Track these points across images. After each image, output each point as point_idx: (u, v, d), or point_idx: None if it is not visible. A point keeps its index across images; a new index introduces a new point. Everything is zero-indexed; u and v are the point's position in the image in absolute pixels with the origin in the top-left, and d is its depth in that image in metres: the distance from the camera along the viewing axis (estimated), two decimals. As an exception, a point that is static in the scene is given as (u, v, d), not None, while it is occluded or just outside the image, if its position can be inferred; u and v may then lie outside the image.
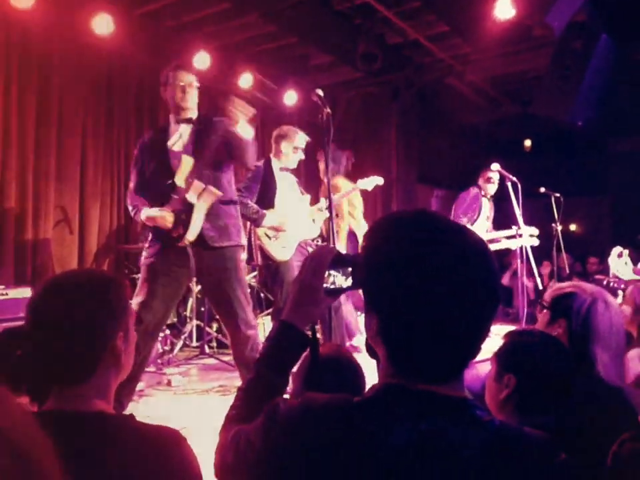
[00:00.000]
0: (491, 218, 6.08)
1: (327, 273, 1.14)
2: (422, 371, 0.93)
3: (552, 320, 1.83)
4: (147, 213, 3.24)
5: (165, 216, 3.19)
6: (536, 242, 5.17)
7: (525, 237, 5.31)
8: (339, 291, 1.16)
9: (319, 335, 1.31)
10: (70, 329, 1.18)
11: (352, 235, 5.39)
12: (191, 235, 3.22)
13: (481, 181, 5.99)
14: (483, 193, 5.95)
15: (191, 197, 3.23)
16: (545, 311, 1.88)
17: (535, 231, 5.22)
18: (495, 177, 5.83)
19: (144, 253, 3.35)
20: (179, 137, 3.34)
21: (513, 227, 5.02)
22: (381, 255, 0.96)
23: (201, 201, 3.24)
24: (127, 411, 3.42)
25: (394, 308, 0.94)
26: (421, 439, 0.87)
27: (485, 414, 0.93)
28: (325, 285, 1.14)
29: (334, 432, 0.91)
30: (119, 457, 1.10)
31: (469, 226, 5.55)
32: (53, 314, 1.19)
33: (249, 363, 3.27)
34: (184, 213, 3.21)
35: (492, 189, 5.92)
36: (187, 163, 3.26)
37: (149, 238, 3.36)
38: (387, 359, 0.97)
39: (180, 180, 3.25)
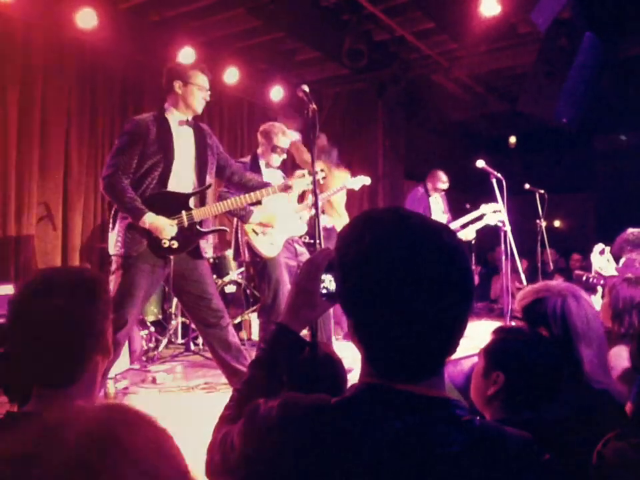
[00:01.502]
0: (447, 209, 6.24)
1: (323, 277, 1.14)
2: (398, 370, 0.92)
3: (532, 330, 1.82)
4: (153, 221, 3.15)
5: (168, 230, 3.18)
6: (502, 217, 5.24)
7: (489, 215, 5.47)
8: (336, 295, 1.15)
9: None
10: (62, 329, 1.16)
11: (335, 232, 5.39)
12: (183, 252, 3.26)
13: (429, 184, 6.17)
14: (429, 192, 6.14)
15: (197, 221, 3.31)
16: (520, 322, 1.84)
17: (499, 207, 5.28)
18: (443, 187, 6.13)
19: (123, 242, 3.19)
20: (181, 137, 3.33)
21: (498, 223, 5.04)
22: (350, 255, 0.95)
23: (204, 227, 3.36)
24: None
25: (365, 308, 0.93)
26: (397, 439, 0.87)
27: (465, 412, 0.92)
28: (321, 289, 1.14)
29: (311, 432, 0.91)
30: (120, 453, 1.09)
31: None
32: (42, 316, 1.16)
33: (238, 346, 3.43)
34: (187, 232, 3.25)
35: (441, 190, 6.20)
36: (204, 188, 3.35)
37: (126, 224, 3.20)
38: (364, 359, 0.97)
39: (192, 203, 3.31)
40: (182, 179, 3.29)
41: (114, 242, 3.23)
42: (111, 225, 3.30)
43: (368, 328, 0.94)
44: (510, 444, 0.91)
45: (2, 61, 5.05)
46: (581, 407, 1.66)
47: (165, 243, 3.19)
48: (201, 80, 3.34)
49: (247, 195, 3.53)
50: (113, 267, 3.23)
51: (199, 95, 3.33)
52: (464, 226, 5.82)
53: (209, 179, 3.41)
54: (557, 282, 1.93)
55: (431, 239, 0.92)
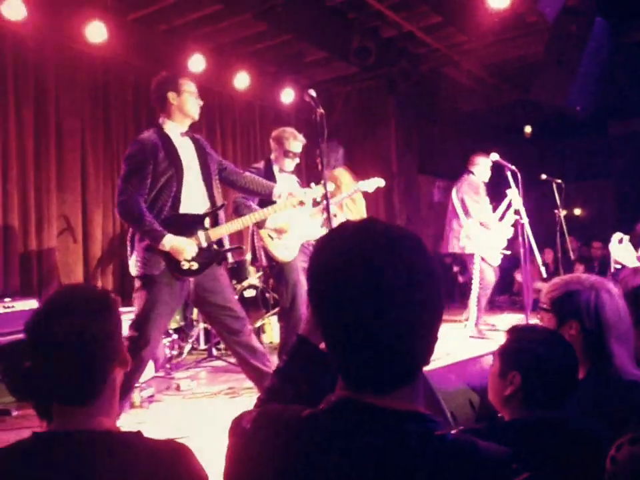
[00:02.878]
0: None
1: None
2: (367, 383, 0.91)
3: (560, 323, 1.80)
4: (173, 243, 3.12)
5: (189, 250, 3.18)
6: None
7: (515, 199, 5.34)
8: None
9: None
10: (81, 348, 1.18)
11: None
12: (202, 273, 3.28)
13: (481, 167, 6.00)
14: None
15: (215, 246, 3.33)
16: (548, 314, 1.84)
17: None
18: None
19: (142, 263, 3.20)
20: (184, 149, 3.33)
21: (515, 216, 5.00)
22: (313, 266, 0.96)
23: (221, 249, 3.38)
24: (137, 417, 3.46)
25: (328, 321, 0.94)
26: (363, 454, 0.86)
27: (437, 426, 0.90)
28: None
29: (280, 443, 0.92)
30: (129, 475, 1.11)
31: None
32: (61, 337, 1.17)
33: (262, 350, 3.47)
34: (206, 253, 3.27)
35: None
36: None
37: (145, 245, 3.20)
38: (336, 371, 0.97)
39: (207, 221, 3.33)
40: (193, 191, 3.29)
41: (134, 264, 3.24)
42: (128, 249, 3.30)
43: (333, 339, 0.94)
44: (484, 461, 0.87)
45: (16, 78, 5.14)
46: (605, 401, 1.65)
47: (184, 265, 3.18)
48: (191, 86, 3.35)
49: (260, 212, 3.56)
50: (136, 286, 3.25)
51: (193, 102, 3.33)
52: (501, 217, 5.80)
53: (217, 192, 3.41)
54: (587, 275, 1.90)
55: (394, 249, 0.90)
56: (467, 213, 5.79)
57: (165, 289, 3.19)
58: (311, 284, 0.97)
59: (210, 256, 3.30)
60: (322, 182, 3.09)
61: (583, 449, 1.42)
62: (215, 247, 3.32)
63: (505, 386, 1.55)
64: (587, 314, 1.77)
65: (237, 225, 3.45)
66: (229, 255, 3.54)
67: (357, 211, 5.13)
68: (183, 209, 3.25)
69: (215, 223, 3.36)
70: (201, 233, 3.25)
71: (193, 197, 3.30)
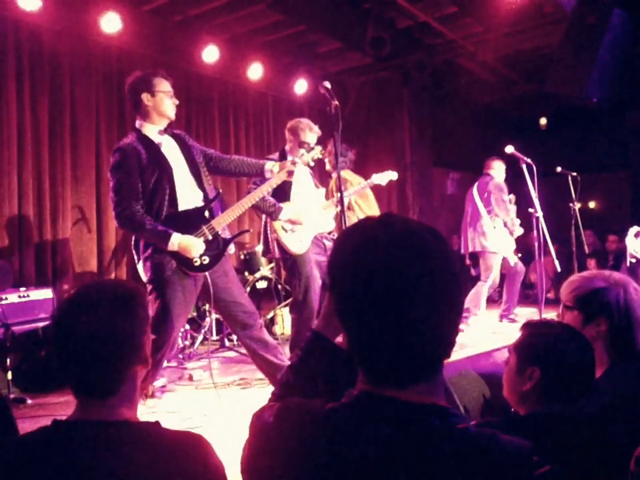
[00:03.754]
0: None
1: None
2: (388, 377, 0.93)
3: (587, 320, 1.79)
4: (181, 241, 3.12)
5: (198, 246, 3.18)
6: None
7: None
8: None
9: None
10: (105, 343, 1.20)
11: None
12: (216, 265, 3.27)
13: (498, 170, 6.05)
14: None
15: (222, 233, 3.34)
16: (574, 312, 1.82)
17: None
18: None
19: (153, 268, 3.20)
20: (167, 148, 3.30)
21: (530, 209, 4.97)
22: (336, 262, 0.97)
23: (227, 234, 3.39)
24: (150, 406, 3.49)
25: (350, 315, 0.95)
26: (385, 447, 0.87)
27: (459, 420, 0.91)
28: None
29: (303, 437, 0.93)
30: (146, 465, 1.13)
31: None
32: (86, 330, 1.19)
33: (274, 343, 3.51)
34: (214, 245, 3.27)
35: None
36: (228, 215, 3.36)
37: (151, 251, 3.19)
38: (359, 365, 0.97)
39: (207, 214, 3.31)
40: (186, 187, 3.28)
41: (143, 270, 3.25)
42: (135, 257, 3.30)
43: (355, 334, 0.95)
44: (506, 453, 0.88)
45: (31, 69, 5.16)
46: (633, 395, 1.65)
47: (196, 262, 3.18)
48: (166, 86, 3.30)
49: (255, 192, 3.48)
50: (149, 289, 3.25)
51: (168, 101, 3.29)
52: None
53: (207, 183, 3.38)
54: (609, 272, 1.90)
55: (413, 244, 0.91)
56: (491, 212, 5.84)
57: (179, 289, 3.21)
58: (334, 279, 0.98)
59: (218, 247, 3.31)
60: (336, 174, 3.08)
61: (601, 444, 1.41)
62: (221, 236, 3.33)
63: (522, 382, 1.55)
64: (618, 310, 1.77)
65: (237, 210, 3.41)
66: (231, 245, 3.53)
67: (367, 206, 5.12)
68: (182, 205, 3.24)
69: (212, 213, 3.36)
70: (204, 227, 3.25)
71: (188, 192, 3.29)
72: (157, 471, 1.13)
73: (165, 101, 3.28)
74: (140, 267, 3.28)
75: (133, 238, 3.33)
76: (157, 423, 1.23)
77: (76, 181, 5.50)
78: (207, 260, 3.23)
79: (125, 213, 3.11)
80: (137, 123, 3.32)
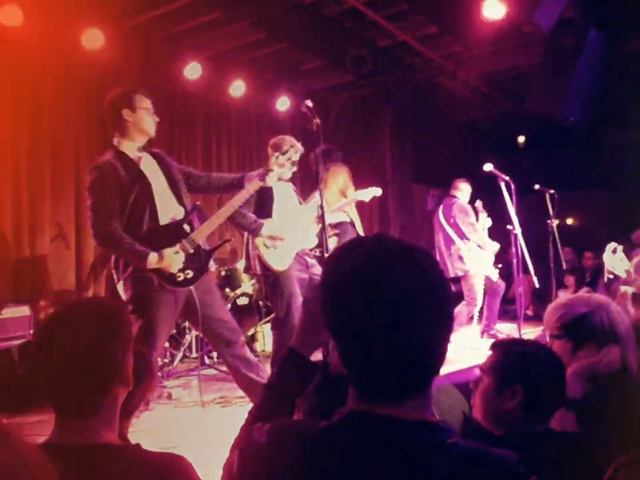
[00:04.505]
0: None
1: None
2: (381, 395, 0.94)
3: (577, 347, 1.81)
4: (158, 259, 3.07)
5: (177, 260, 3.14)
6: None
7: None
8: None
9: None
10: (86, 362, 1.19)
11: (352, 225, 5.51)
12: (200, 278, 3.26)
13: (463, 191, 6.22)
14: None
15: (203, 244, 3.32)
16: (562, 340, 1.83)
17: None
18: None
19: (133, 287, 3.17)
20: (146, 165, 3.29)
21: (508, 226, 5.04)
22: (330, 280, 0.99)
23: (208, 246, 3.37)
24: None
25: (344, 332, 0.96)
26: (381, 464, 0.88)
27: (450, 435, 0.93)
28: None
29: (297, 456, 0.93)
30: None
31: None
32: (67, 349, 1.18)
33: (256, 361, 3.50)
34: (196, 258, 3.24)
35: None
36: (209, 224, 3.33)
37: (131, 270, 3.15)
38: (351, 383, 0.99)
39: (186, 227, 3.29)
40: (166, 203, 3.26)
41: (123, 290, 3.20)
42: (115, 276, 3.26)
43: (348, 351, 0.96)
44: (495, 465, 0.91)
45: (12, 83, 5.13)
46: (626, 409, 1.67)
47: (179, 277, 3.15)
48: (147, 102, 3.29)
49: (229, 204, 3.41)
50: (130, 308, 3.17)
51: (149, 118, 3.28)
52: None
53: (187, 199, 3.37)
54: (587, 295, 1.93)
55: (409, 262, 0.94)
56: (462, 236, 5.93)
57: (160, 307, 3.17)
58: (328, 296, 0.99)
59: (201, 260, 3.28)
60: (318, 191, 3.10)
61: (585, 462, 1.43)
62: (203, 248, 3.31)
63: (502, 401, 1.55)
64: (603, 334, 1.79)
65: (216, 220, 3.38)
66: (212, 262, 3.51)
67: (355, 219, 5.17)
68: (162, 220, 3.22)
69: (192, 227, 3.33)
70: (184, 241, 3.22)
71: (168, 209, 3.27)
72: None
73: (145, 118, 3.26)
74: (120, 286, 3.23)
75: (113, 258, 3.28)
76: (138, 445, 1.22)
77: (55, 197, 5.45)
78: (190, 274, 3.20)
79: (102, 232, 3.09)
80: (115, 140, 3.28)
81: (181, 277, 3.17)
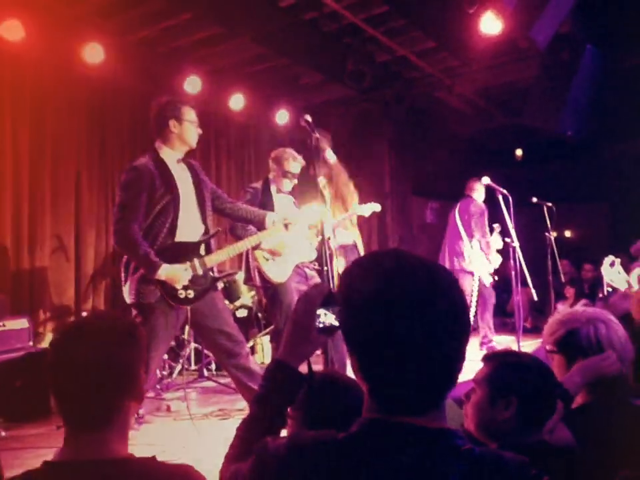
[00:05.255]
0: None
1: (317, 311, 1.17)
2: (400, 405, 0.96)
3: (569, 362, 1.83)
4: (168, 273, 3.15)
5: (184, 277, 3.21)
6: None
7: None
8: (332, 329, 1.18)
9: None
10: (103, 375, 1.19)
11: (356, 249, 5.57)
12: (199, 301, 3.30)
13: (479, 191, 6.28)
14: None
15: (214, 272, 3.39)
16: (557, 356, 1.86)
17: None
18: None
19: (136, 293, 3.22)
20: (180, 176, 3.37)
21: (506, 239, 5.06)
22: (353, 295, 1.00)
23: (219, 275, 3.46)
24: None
25: (367, 346, 0.98)
26: (405, 470, 0.91)
27: (464, 442, 0.96)
28: (317, 324, 1.17)
29: (319, 468, 0.94)
30: None
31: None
32: (85, 361, 1.18)
33: (260, 373, 3.41)
34: (202, 280, 3.30)
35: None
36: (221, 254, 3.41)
37: (139, 276, 3.21)
38: (368, 394, 1.00)
39: (202, 249, 3.36)
40: (189, 218, 3.32)
41: (128, 291, 3.24)
42: (122, 276, 3.29)
43: (371, 364, 0.98)
44: (509, 469, 0.94)
45: (13, 97, 5.17)
46: (616, 425, 1.68)
47: (180, 294, 3.20)
48: (193, 115, 3.38)
49: (252, 237, 3.58)
50: (133, 314, 3.27)
51: (193, 131, 3.38)
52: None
53: (210, 219, 3.44)
54: (582, 309, 1.94)
55: (429, 278, 0.97)
56: (470, 235, 6.04)
57: (162, 317, 3.20)
58: (349, 316, 1.01)
59: (206, 283, 3.33)
60: (317, 204, 3.12)
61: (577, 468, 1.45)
62: (210, 274, 3.34)
63: (498, 413, 1.56)
64: (590, 349, 1.80)
65: (232, 251, 3.48)
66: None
67: (354, 231, 5.19)
68: (180, 236, 3.26)
69: (208, 249, 3.38)
70: (196, 261, 3.27)
71: (190, 224, 3.32)
72: None
73: (190, 130, 3.35)
74: (126, 288, 3.27)
75: (125, 258, 3.32)
76: (154, 457, 1.22)
77: (55, 210, 5.48)
78: (191, 294, 3.24)
79: (123, 232, 3.15)
80: (157, 145, 3.36)
81: (182, 294, 3.21)
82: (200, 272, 3.27)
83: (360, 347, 0.99)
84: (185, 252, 3.27)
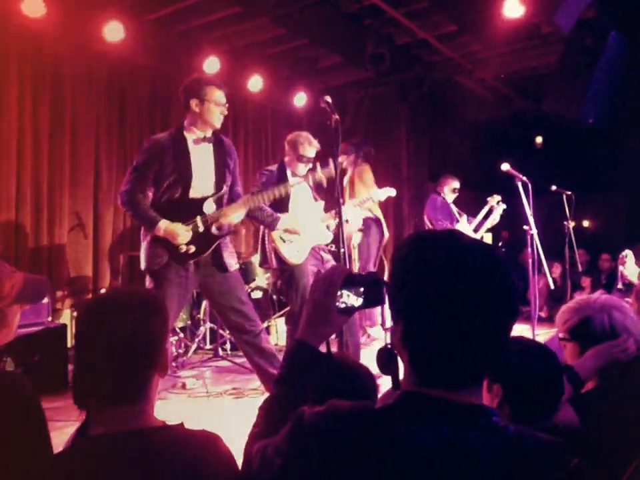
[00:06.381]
0: (459, 211, 6.40)
1: (339, 292, 1.18)
2: (441, 379, 0.98)
3: (583, 350, 1.82)
4: (166, 227, 3.26)
5: (183, 235, 3.28)
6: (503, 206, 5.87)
7: (496, 206, 5.95)
8: (351, 310, 1.19)
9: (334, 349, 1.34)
10: (135, 345, 1.19)
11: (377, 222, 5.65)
12: (201, 257, 3.38)
13: (445, 189, 6.32)
14: (446, 197, 6.34)
15: (214, 229, 3.41)
16: (570, 344, 1.85)
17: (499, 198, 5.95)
18: (457, 187, 6.36)
19: (147, 257, 3.36)
20: (199, 155, 3.41)
21: (524, 226, 5.01)
22: (409, 269, 1.02)
23: (218, 233, 3.44)
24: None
25: (417, 318, 0.99)
26: (441, 444, 0.92)
27: (501, 420, 0.98)
28: (338, 305, 1.18)
29: (358, 437, 0.95)
30: (183, 463, 1.15)
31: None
32: (122, 330, 1.18)
33: (272, 352, 3.56)
34: (203, 237, 3.35)
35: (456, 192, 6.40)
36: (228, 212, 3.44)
37: (149, 240, 3.35)
38: (409, 366, 1.02)
39: (209, 207, 3.39)
40: (203, 180, 3.40)
41: (142, 258, 3.40)
42: (141, 240, 3.45)
43: (417, 337, 0.99)
44: (543, 449, 0.96)
45: (33, 75, 5.20)
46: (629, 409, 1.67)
47: (182, 249, 3.29)
48: (218, 95, 3.39)
49: (258, 195, 3.59)
50: (146, 282, 3.39)
51: (216, 111, 3.38)
52: (479, 224, 6.06)
53: (225, 189, 3.51)
54: (595, 296, 1.92)
55: (481, 257, 0.99)
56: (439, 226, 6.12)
57: (171, 284, 3.30)
58: (400, 281, 1.03)
59: (208, 239, 3.37)
60: (336, 188, 3.10)
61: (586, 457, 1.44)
62: (214, 230, 3.38)
63: (492, 399, 1.56)
64: (604, 337, 1.79)
65: (237, 205, 3.48)
66: (235, 261, 3.61)
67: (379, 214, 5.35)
68: (193, 194, 3.37)
69: (214, 208, 3.45)
70: (199, 218, 3.34)
71: (205, 185, 3.41)
72: (192, 466, 1.15)
73: (212, 110, 3.37)
74: (141, 253, 3.41)
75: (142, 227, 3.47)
76: (182, 424, 1.24)
77: (74, 187, 5.52)
78: (192, 249, 3.32)
79: (127, 194, 3.32)
80: (185, 122, 3.44)
81: (183, 249, 3.29)
82: (201, 229, 3.34)
83: (408, 318, 1.01)
84: (188, 209, 3.34)
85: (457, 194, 6.38)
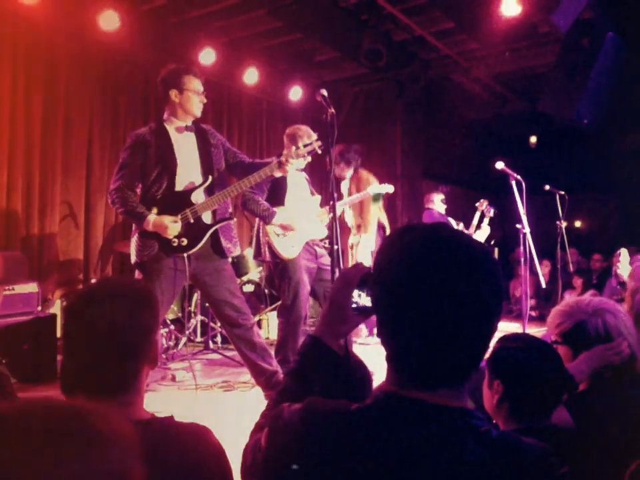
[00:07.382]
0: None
1: (354, 291, 1.17)
2: (420, 379, 0.95)
3: (576, 353, 1.81)
4: (155, 221, 3.24)
5: (172, 227, 3.25)
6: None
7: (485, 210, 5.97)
8: (368, 310, 1.17)
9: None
10: (123, 336, 1.17)
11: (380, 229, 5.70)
12: (194, 250, 3.34)
13: (436, 200, 6.42)
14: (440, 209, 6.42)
15: (205, 216, 3.38)
16: (563, 347, 1.83)
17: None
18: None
19: (137, 250, 3.34)
20: (183, 144, 3.40)
21: (517, 225, 5.02)
22: (386, 260, 0.99)
23: (211, 220, 3.41)
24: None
25: (391, 310, 0.97)
26: (413, 448, 0.89)
27: (483, 423, 0.94)
28: (352, 304, 1.17)
29: (331, 437, 0.94)
30: (173, 456, 1.14)
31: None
32: (109, 321, 1.16)
33: (263, 346, 3.55)
34: (194, 228, 3.32)
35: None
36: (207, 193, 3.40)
37: (139, 233, 3.33)
38: (389, 365, 0.99)
39: (198, 197, 3.36)
40: (188, 171, 3.38)
41: (132, 251, 3.39)
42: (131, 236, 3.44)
43: (396, 333, 0.97)
44: (527, 455, 0.91)
45: (26, 62, 5.14)
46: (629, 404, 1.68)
47: (174, 242, 3.28)
48: (195, 84, 3.37)
49: (244, 180, 3.44)
50: (136, 275, 3.37)
51: (195, 100, 3.37)
52: (477, 227, 6.06)
53: (215, 172, 3.47)
54: (586, 298, 1.91)
55: (462, 251, 0.95)
56: None
57: (161, 276, 3.28)
58: (380, 275, 1.00)
59: (199, 230, 3.35)
60: (330, 182, 3.09)
61: (575, 459, 1.43)
62: (203, 222, 3.35)
63: (492, 395, 1.56)
64: (598, 341, 1.78)
65: (222, 196, 3.43)
66: (236, 248, 3.58)
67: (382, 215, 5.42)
68: (179, 186, 3.35)
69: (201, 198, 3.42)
70: (188, 210, 3.31)
71: (190, 174, 3.38)
72: (183, 458, 1.14)
73: (192, 99, 3.35)
74: (131, 248, 3.40)
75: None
76: (172, 417, 1.22)
77: (66, 177, 5.48)
78: (185, 241, 3.30)
79: (116, 191, 3.30)
80: (165, 115, 3.43)
81: (176, 242, 3.28)
82: (191, 220, 3.31)
83: (387, 315, 0.99)
84: (176, 201, 3.32)
85: (446, 205, 6.48)
